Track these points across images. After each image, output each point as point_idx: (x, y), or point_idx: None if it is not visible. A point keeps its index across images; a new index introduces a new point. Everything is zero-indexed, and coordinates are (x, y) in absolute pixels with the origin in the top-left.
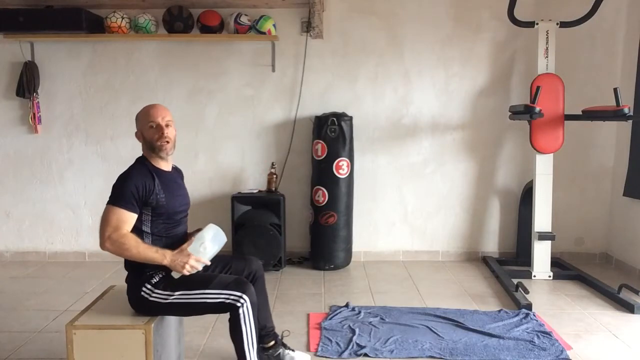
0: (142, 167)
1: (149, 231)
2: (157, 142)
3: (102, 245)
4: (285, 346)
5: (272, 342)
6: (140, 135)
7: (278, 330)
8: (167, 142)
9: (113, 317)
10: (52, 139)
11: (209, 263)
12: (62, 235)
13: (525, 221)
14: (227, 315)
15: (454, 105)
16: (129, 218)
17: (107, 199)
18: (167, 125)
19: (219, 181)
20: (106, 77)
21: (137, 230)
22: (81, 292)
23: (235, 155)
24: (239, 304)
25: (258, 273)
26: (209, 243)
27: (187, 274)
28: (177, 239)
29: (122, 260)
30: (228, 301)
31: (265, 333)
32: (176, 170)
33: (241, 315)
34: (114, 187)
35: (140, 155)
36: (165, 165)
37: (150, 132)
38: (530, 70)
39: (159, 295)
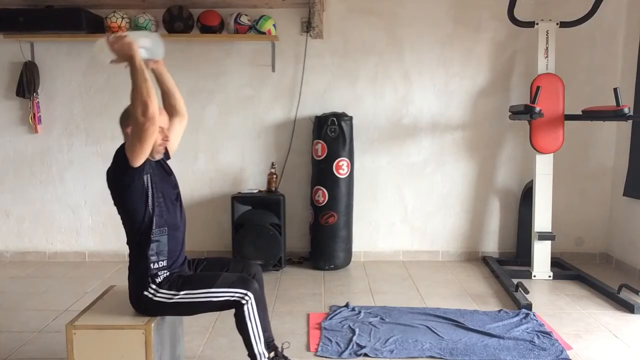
0: None
1: (150, 210)
2: (159, 145)
3: (149, 119)
4: (285, 358)
5: (272, 354)
6: None
7: (277, 342)
8: (167, 141)
9: (113, 317)
10: (52, 139)
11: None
12: (62, 235)
13: (525, 221)
14: (227, 315)
15: (454, 105)
16: None
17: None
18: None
19: (219, 181)
20: (106, 77)
21: (141, 215)
22: (81, 292)
23: (235, 155)
24: (244, 301)
25: (257, 277)
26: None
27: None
28: (175, 219)
29: (121, 259)
30: (233, 299)
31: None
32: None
33: (246, 312)
34: (117, 157)
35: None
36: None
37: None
38: (530, 70)
39: (163, 295)
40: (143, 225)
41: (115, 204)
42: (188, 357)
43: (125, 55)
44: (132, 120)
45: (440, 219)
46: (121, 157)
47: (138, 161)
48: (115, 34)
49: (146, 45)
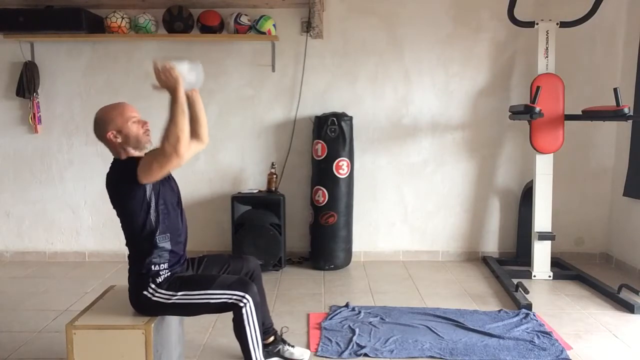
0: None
1: (152, 218)
2: (144, 134)
3: (178, 154)
4: (284, 342)
5: (272, 338)
6: (116, 134)
7: (277, 327)
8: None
9: (113, 317)
10: (52, 139)
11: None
12: (62, 235)
13: (525, 221)
14: (227, 315)
15: (454, 105)
16: None
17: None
18: None
19: (219, 181)
20: (106, 77)
21: (142, 222)
22: (81, 292)
23: (235, 155)
24: (241, 304)
25: (256, 272)
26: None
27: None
28: (176, 224)
29: (121, 259)
30: (231, 301)
31: (264, 330)
32: None
33: (244, 315)
34: (125, 170)
35: (113, 160)
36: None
37: (135, 127)
38: (530, 70)
39: (161, 296)
40: (144, 232)
41: (114, 207)
42: (188, 357)
43: (170, 88)
44: (160, 148)
45: (440, 219)
46: (129, 170)
47: (148, 181)
48: (163, 63)
49: (192, 79)
